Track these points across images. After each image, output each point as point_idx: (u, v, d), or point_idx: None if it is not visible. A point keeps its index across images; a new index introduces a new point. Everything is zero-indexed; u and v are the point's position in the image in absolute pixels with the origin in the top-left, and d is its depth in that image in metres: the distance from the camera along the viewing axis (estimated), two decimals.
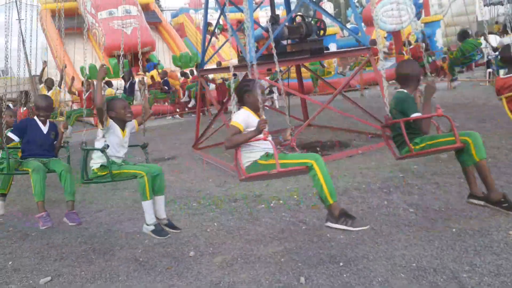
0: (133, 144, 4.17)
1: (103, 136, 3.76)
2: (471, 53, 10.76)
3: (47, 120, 4.51)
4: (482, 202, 3.49)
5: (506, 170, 4.91)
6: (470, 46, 10.75)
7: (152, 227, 3.68)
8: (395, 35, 16.65)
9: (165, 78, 14.12)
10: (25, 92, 8.20)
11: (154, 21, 19.42)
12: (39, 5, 18.46)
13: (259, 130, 3.17)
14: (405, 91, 3.61)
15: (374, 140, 7.24)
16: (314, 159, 3.14)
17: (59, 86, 10.24)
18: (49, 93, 9.62)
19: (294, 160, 3.21)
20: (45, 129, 4.46)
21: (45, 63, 8.60)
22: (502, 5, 25.45)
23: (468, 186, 3.58)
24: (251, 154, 3.31)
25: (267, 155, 3.29)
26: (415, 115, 3.47)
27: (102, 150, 3.66)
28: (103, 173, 3.75)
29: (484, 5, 25.65)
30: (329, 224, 3.22)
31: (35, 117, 4.50)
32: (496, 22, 21.86)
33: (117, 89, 12.94)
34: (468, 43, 10.81)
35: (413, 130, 3.52)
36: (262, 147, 3.31)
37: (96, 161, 3.78)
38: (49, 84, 9.96)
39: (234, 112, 3.44)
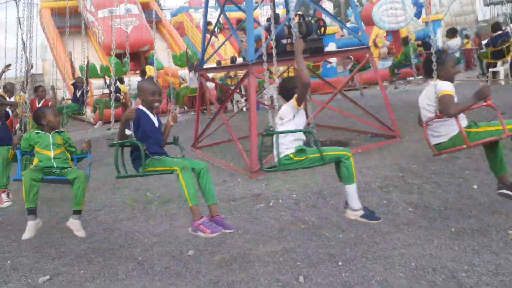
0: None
1: (294, 118, 3.40)
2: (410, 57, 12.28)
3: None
4: None
5: None
6: (409, 51, 11.93)
7: (362, 212, 3.36)
8: (394, 34, 16.66)
9: (116, 85, 13.18)
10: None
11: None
12: (38, 3, 18.45)
13: (481, 96, 3.29)
14: None
15: (374, 139, 7.24)
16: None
17: (23, 90, 9.48)
18: (12, 100, 8.47)
19: (498, 127, 3.36)
20: (156, 121, 3.62)
21: (7, 67, 7.56)
22: (503, 5, 25.44)
23: None
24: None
25: (476, 124, 3.45)
26: None
27: (310, 132, 3.37)
28: (302, 158, 3.35)
29: (484, 5, 25.63)
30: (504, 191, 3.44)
31: (141, 107, 3.58)
32: (497, 22, 21.82)
33: (63, 98, 11.97)
34: (409, 48, 11.96)
35: None
36: (462, 116, 3.46)
37: (289, 145, 3.38)
38: (10, 88, 8.89)
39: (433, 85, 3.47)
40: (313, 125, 3.45)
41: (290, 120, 3.40)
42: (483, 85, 3.37)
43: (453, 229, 3.61)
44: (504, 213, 3.80)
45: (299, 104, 3.36)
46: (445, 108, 3.35)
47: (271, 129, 3.34)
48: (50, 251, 4.07)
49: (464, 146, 3.37)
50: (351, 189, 3.33)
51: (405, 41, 13.14)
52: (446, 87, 3.44)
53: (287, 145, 3.37)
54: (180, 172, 3.22)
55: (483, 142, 3.36)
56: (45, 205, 5.57)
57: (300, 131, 3.38)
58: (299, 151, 3.36)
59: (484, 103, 3.30)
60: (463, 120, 3.46)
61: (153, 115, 3.61)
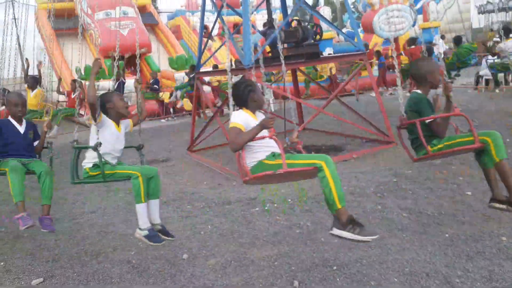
0: (127, 145, 3.94)
1: (97, 134, 3.57)
2: (466, 57, 11.24)
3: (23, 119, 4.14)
4: (504, 206, 3.22)
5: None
6: (465, 51, 11.17)
7: (146, 232, 3.46)
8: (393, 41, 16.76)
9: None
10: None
11: (150, 23, 19.42)
12: (35, 5, 18.41)
13: (264, 127, 3.02)
14: (420, 91, 3.44)
15: (369, 144, 7.27)
16: (323, 159, 2.92)
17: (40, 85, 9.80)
18: (33, 93, 9.48)
19: (302, 161, 2.99)
20: (21, 128, 4.10)
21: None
22: (496, 13, 25.70)
23: (490, 189, 3.28)
24: (255, 155, 3.10)
25: (274, 155, 3.08)
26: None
27: (95, 148, 3.47)
28: (96, 173, 3.57)
29: (478, 13, 25.89)
30: (335, 231, 2.90)
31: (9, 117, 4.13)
32: (491, 30, 22.08)
33: (58, 101, 11.88)
34: (463, 48, 11.22)
35: (431, 132, 3.33)
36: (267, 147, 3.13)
37: (90, 160, 3.60)
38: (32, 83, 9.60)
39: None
40: (98, 142, 3.52)
41: (94, 136, 3.58)
42: (267, 116, 3.05)
43: (447, 234, 3.63)
44: (497, 219, 3.83)
45: (94, 120, 3.57)
46: (229, 142, 3.15)
47: (75, 143, 3.72)
48: (44, 254, 4.05)
49: (247, 178, 3.08)
50: (137, 209, 3.50)
51: (458, 40, 11.98)
52: (234, 118, 3.15)
53: (88, 160, 3.61)
54: (8, 172, 3.68)
55: (260, 176, 3.01)
56: (38, 207, 5.54)
57: (88, 147, 3.56)
58: (94, 166, 3.57)
59: (269, 134, 3.03)
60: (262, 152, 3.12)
61: (19, 124, 4.07)
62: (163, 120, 13.78)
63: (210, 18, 17.64)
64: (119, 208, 5.24)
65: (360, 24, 17.29)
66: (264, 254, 3.63)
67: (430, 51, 13.12)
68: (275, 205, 4.82)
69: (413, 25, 18.36)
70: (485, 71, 12.03)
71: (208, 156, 7.66)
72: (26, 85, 9.89)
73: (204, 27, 8.78)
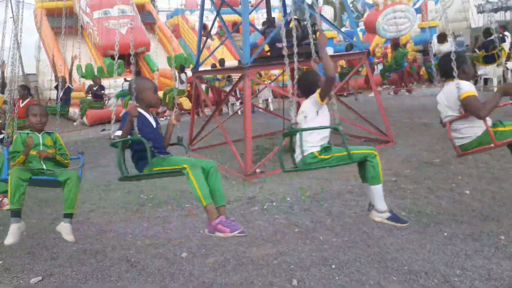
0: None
1: (317, 114, 3.26)
2: (401, 61, 12.77)
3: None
4: None
5: (498, 175, 4.96)
6: (400, 55, 12.62)
7: (388, 214, 3.22)
8: (393, 41, 16.80)
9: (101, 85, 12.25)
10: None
11: (149, 22, 19.41)
12: (33, 4, 18.38)
13: (505, 94, 3.29)
14: None
15: (368, 144, 7.27)
16: None
17: (2, 92, 8.75)
18: None
19: None
20: (153, 121, 3.46)
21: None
22: (496, 12, 25.73)
23: None
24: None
25: (501, 122, 3.37)
26: None
27: (336, 128, 3.17)
28: (327, 157, 3.20)
29: (478, 12, 25.90)
30: None
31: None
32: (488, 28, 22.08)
33: (49, 99, 11.76)
34: (399, 52, 12.62)
35: None
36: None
37: (315, 144, 3.23)
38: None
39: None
40: (339, 121, 3.25)
41: (314, 117, 3.25)
42: (508, 82, 3.40)
43: (445, 233, 3.64)
44: (495, 218, 3.84)
45: (322, 99, 3.21)
46: (475, 110, 3.26)
47: (294, 126, 3.13)
48: (43, 252, 4.04)
49: (492, 145, 3.28)
50: (378, 190, 3.18)
51: (396, 45, 13.35)
52: (470, 87, 3.34)
53: (312, 143, 3.22)
54: (190, 169, 2.95)
55: (509, 142, 3.28)
56: (37, 206, 5.55)
57: (327, 127, 3.24)
58: (325, 149, 3.21)
59: (510, 101, 3.28)
60: (488, 119, 3.37)
61: (150, 115, 3.40)
62: (162, 119, 13.77)
63: (209, 17, 17.65)
64: (118, 207, 5.24)
65: (363, 24, 17.29)
66: (263, 252, 3.63)
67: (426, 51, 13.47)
68: (274, 204, 4.82)
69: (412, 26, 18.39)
70: (483, 71, 12.16)
71: (207, 155, 7.66)
72: None
73: (203, 26, 8.76)
